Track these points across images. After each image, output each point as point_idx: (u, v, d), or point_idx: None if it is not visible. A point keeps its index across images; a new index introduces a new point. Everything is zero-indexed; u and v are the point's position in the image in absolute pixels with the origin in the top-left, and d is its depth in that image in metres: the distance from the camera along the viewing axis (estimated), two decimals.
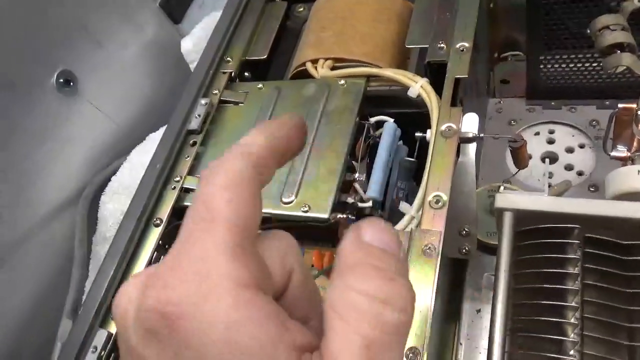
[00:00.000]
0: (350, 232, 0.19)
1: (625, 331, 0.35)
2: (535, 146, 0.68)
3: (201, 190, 0.20)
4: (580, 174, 0.65)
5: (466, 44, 0.48)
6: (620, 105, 0.43)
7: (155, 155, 0.55)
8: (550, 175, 0.66)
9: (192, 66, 0.92)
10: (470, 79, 0.48)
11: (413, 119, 0.53)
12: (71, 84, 0.78)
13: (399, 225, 0.44)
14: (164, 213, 0.52)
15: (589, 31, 0.49)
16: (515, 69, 0.71)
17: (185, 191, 0.54)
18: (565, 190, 0.53)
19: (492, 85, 0.74)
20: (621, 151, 0.46)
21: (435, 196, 0.41)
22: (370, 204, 0.49)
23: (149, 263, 0.51)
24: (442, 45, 0.49)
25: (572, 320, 0.36)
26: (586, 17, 0.54)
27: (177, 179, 0.54)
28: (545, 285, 0.37)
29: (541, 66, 0.66)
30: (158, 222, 0.52)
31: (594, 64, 0.63)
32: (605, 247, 0.37)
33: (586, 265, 0.37)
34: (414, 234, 0.40)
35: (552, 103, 0.70)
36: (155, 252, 0.52)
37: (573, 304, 0.36)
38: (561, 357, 0.34)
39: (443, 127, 0.44)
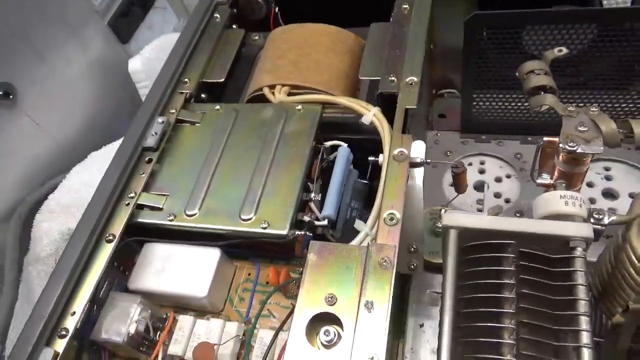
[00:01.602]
0: None
1: (552, 333, 0.40)
2: (468, 176, 0.75)
3: None
4: (507, 201, 0.71)
5: (415, 78, 0.53)
6: (545, 139, 0.50)
7: (109, 170, 0.55)
8: (481, 202, 0.72)
9: (139, 86, 0.92)
10: (418, 110, 0.53)
11: (364, 145, 0.57)
12: (10, 96, 0.76)
13: (355, 241, 0.47)
14: (117, 229, 0.52)
15: (517, 74, 0.56)
16: (451, 105, 0.78)
17: (140, 207, 0.54)
18: (498, 213, 0.59)
19: (431, 118, 0.80)
20: (545, 179, 0.52)
21: (389, 214, 0.44)
22: (325, 222, 0.51)
23: (101, 280, 0.49)
24: (392, 78, 0.54)
25: (510, 325, 0.40)
26: (514, 62, 0.62)
27: (132, 195, 0.54)
28: (485, 295, 0.42)
29: (474, 103, 0.73)
30: (110, 237, 0.51)
31: (519, 104, 0.71)
32: (536, 260, 0.42)
33: (521, 276, 0.42)
34: (371, 248, 0.42)
35: (483, 137, 0.78)
36: (113, 265, 0.51)
37: (510, 310, 0.40)
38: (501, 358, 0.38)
39: (395, 152, 0.48)
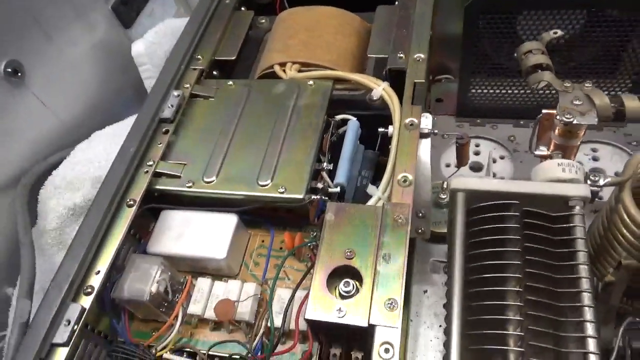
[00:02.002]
0: None
1: (556, 296, 0.43)
2: None
3: None
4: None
5: (422, 55, 0.56)
6: (544, 111, 0.53)
7: (127, 140, 0.57)
8: None
9: (142, 69, 0.94)
10: (423, 87, 0.56)
11: (371, 121, 0.60)
12: (19, 74, 0.76)
13: (370, 202, 0.49)
14: (137, 195, 0.53)
15: (515, 55, 0.60)
16: (448, 90, 0.82)
17: (158, 175, 0.56)
18: None
19: (428, 103, 0.84)
20: (543, 151, 0.56)
21: (403, 176, 0.47)
22: (338, 189, 0.54)
23: (122, 243, 0.51)
24: (401, 55, 0.57)
25: (517, 288, 0.43)
26: (509, 48, 0.65)
27: (150, 163, 0.56)
28: (491, 262, 0.44)
29: (469, 88, 0.77)
30: (131, 202, 0.53)
31: (513, 89, 0.75)
32: (539, 218, 0.46)
33: (525, 232, 0.45)
34: (387, 207, 0.45)
35: (478, 121, 0.82)
36: (130, 231, 0.52)
37: (516, 275, 0.43)
38: (508, 317, 0.41)
39: (407, 121, 0.51)
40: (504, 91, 0.77)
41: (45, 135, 0.83)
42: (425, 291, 0.61)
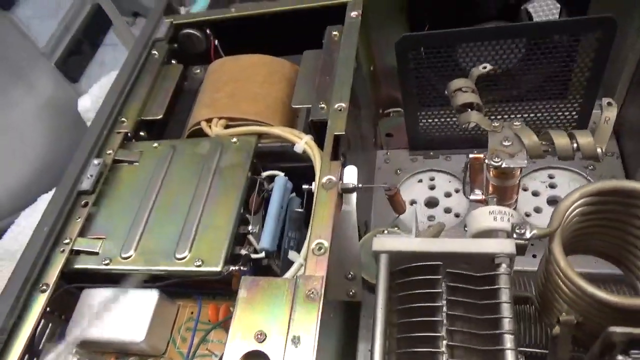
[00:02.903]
0: None
1: (482, 354, 0.40)
2: (419, 192, 0.76)
3: None
4: (457, 215, 0.72)
5: (343, 104, 0.54)
6: (470, 156, 0.50)
7: (44, 217, 0.54)
8: (432, 218, 0.73)
9: None
10: (354, 134, 0.53)
11: (306, 172, 0.57)
12: None
13: (289, 273, 0.46)
14: (51, 278, 0.51)
15: (446, 92, 0.57)
16: (398, 124, 0.79)
17: (76, 253, 0.53)
18: (439, 231, 0.60)
19: (379, 138, 0.81)
20: (478, 195, 0.53)
21: (317, 243, 0.44)
22: (262, 254, 0.51)
23: (34, 332, 0.48)
24: (322, 105, 0.55)
25: (442, 349, 0.40)
26: (451, 79, 0.62)
27: (67, 241, 0.53)
28: (417, 319, 0.41)
29: (418, 121, 0.74)
30: (44, 287, 0.50)
31: None
32: (463, 280, 0.42)
33: (449, 298, 0.42)
34: (299, 281, 0.42)
35: (431, 153, 0.78)
36: (42, 320, 0.50)
37: (441, 334, 0.40)
38: None
39: (324, 180, 0.48)
40: (452, 121, 0.74)
41: None
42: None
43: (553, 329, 0.47)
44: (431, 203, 0.75)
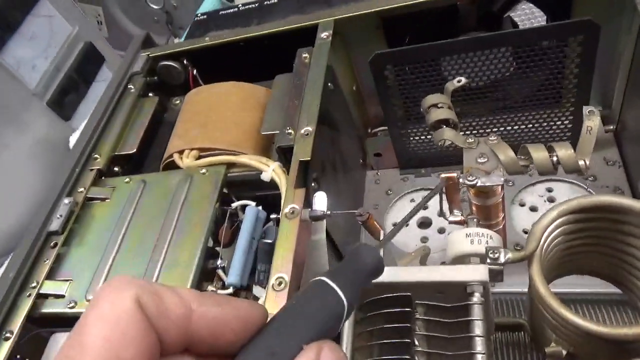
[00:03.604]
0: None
1: None
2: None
3: (81, 317, 0.19)
4: None
5: (309, 128, 0.51)
6: (442, 176, 0.47)
7: (11, 262, 0.53)
8: (425, 239, 0.69)
9: None
10: (330, 157, 0.51)
11: (277, 200, 0.55)
12: None
13: None
14: (16, 324, 0.49)
15: (421, 109, 0.54)
16: (386, 143, 0.76)
17: (43, 297, 0.52)
18: (425, 255, 0.56)
19: (368, 158, 0.78)
20: (457, 216, 0.49)
21: (277, 278, 0.41)
22: (230, 290, 0.49)
23: None
24: (289, 130, 0.52)
25: None
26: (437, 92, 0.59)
27: (34, 284, 0.52)
28: (386, 357, 0.38)
29: (405, 139, 0.71)
30: (8, 335, 0.48)
31: None
32: (435, 312, 0.39)
33: (418, 333, 0.38)
34: None
35: (422, 171, 0.75)
36: None
37: None
38: None
39: (287, 209, 0.46)
40: None
41: None
42: None
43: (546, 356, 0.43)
44: (424, 224, 0.71)
